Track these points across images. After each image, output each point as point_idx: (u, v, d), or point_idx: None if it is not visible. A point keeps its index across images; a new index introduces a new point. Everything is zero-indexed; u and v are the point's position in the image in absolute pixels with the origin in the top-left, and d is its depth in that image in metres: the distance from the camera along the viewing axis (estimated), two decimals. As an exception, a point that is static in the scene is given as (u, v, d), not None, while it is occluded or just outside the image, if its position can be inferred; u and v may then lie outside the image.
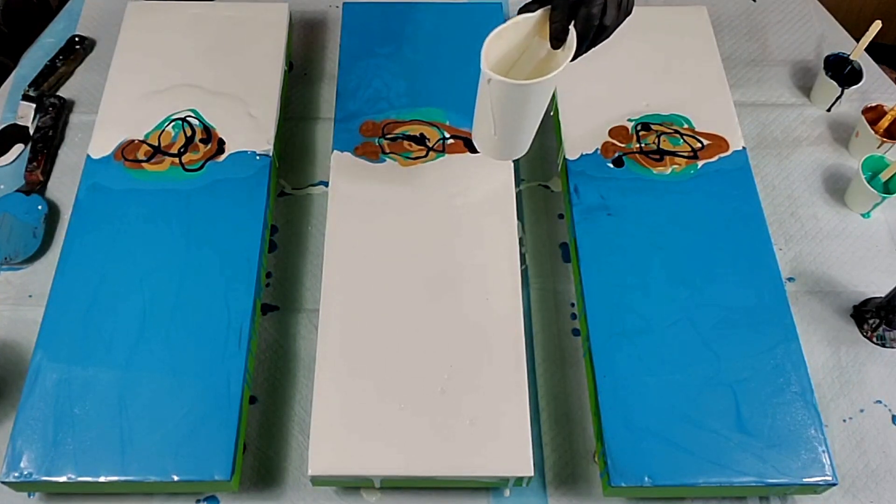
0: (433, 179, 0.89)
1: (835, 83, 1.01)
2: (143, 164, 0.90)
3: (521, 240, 0.89)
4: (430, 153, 0.91)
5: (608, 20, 0.68)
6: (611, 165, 0.91)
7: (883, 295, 0.86)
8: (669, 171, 0.91)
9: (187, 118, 0.93)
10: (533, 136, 0.79)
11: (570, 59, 0.69)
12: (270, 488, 0.78)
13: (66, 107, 1.03)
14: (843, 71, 1.02)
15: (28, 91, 1.02)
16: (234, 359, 0.78)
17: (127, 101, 0.95)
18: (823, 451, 0.74)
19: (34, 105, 1.01)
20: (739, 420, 0.75)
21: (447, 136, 0.93)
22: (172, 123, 0.93)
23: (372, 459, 0.73)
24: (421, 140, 0.92)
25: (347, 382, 0.76)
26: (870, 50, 1.03)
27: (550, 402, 0.83)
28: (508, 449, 0.73)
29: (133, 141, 0.91)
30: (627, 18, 0.70)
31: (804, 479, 0.73)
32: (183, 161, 0.90)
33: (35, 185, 0.95)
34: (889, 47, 1.47)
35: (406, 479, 0.74)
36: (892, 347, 0.87)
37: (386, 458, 0.73)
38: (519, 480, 0.75)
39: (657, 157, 0.92)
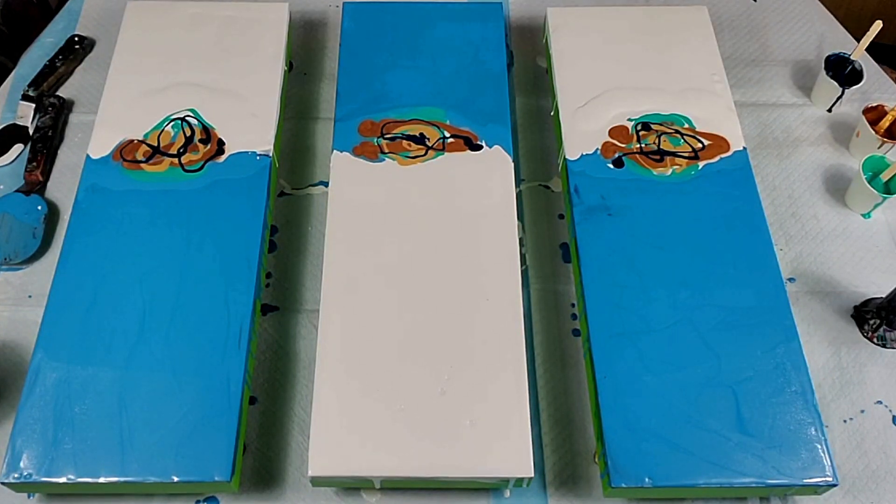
0: (433, 179, 0.89)
1: (835, 83, 1.01)
2: (142, 165, 0.90)
3: (521, 240, 0.89)
4: (430, 152, 0.91)
5: None
6: (611, 166, 0.91)
7: (883, 295, 0.86)
8: (670, 171, 0.91)
9: (186, 118, 0.93)
10: None
11: None
12: (270, 489, 0.78)
13: (65, 107, 1.03)
14: (843, 71, 1.02)
15: (28, 91, 1.02)
16: (233, 359, 0.78)
17: (126, 100, 0.95)
18: (824, 452, 0.74)
19: (34, 105, 1.01)
20: (740, 421, 0.75)
21: (447, 135, 0.93)
22: (172, 123, 0.93)
23: (372, 460, 0.73)
24: (420, 139, 0.92)
25: (347, 383, 0.76)
26: (870, 50, 1.03)
27: (551, 403, 0.83)
28: (509, 450, 0.73)
29: (132, 141, 0.91)
30: None
31: (804, 480, 0.73)
32: (182, 162, 0.90)
33: (35, 185, 0.95)
34: (889, 47, 1.47)
35: (406, 479, 0.74)
36: (893, 348, 0.86)
37: (386, 458, 0.73)
38: (519, 481, 0.74)
39: (657, 157, 0.92)
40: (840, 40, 1.12)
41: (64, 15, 1.13)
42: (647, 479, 0.73)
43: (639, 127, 0.94)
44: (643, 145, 0.93)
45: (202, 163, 0.90)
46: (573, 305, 0.89)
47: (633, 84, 0.98)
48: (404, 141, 0.92)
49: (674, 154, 0.92)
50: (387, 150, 0.91)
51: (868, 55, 1.05)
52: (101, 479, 0.72)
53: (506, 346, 0.78)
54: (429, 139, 0.92)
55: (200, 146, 0.91)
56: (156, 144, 0.91)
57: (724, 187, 0.89)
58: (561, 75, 0.99)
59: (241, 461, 0.76)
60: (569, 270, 0.91)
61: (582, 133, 0.94)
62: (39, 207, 0.92)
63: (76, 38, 1.07)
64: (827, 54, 1.03)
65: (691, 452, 0.74)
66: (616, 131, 0.94)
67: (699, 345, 0.79)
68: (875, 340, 0.87)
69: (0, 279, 0.89)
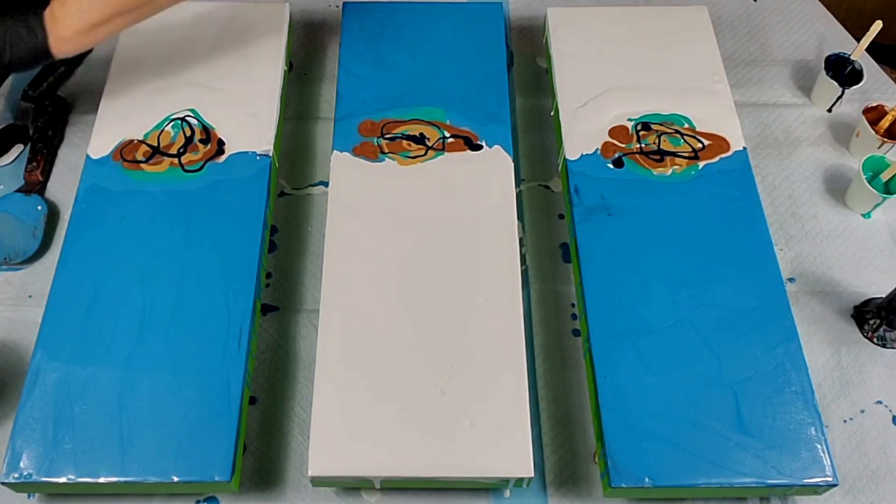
0: (433, 179, 0.89)
1: (835, 83, 1.01)
2: (142, 166, 0.90)
3: (521, 240, 0.89)
4: (430, 152, 0.91)
5: None
6: (611, 166, 0.91)
7: (883, 295, 0.86)
8: (670, 171, 0.91)
9: (186, 118, 0.93)
10: None
11: None
12: (270, 489, 0.78)
13: (65, 107, 1.03)
14: (843, 71, 1.02)
15: (28, 91, 1.02)
16: (234, 359, 0.78)
17: (126, 100, 0.95)
18: (824, 452, 0.74)
19: (34, 105, 1.01)
20: (740, 421, 0.75)
21: (447, 135, 0.93)
22: (172, 123, 0.93)
23: (372, 460, 0.73)
24: (420, 139, 0.92)
25: (347, 383, 0.76)
26: (870, 50, 1.03)
27: (551, 403, 0.83)
28: (508, 450, 0.73)
29: (132, 141, 0.91)
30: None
31: (804, 480, 0.73)
32: (182, 162, 0.90)
33: (35, 185, 0.95)
34: (890, 47, 1.47)
35: (406, 479, 0.74)
36: (893, 348, 0.86)
37: (386, 458, 0.73)
38: (519, 481, 0.74)
39: (657, 157, 0.92)
40: (840, 40, 1.11)
41: (64, 15, 1.13)
42: (647, 479, 0.73)
43: (639, 127, 0.94)
44: (643, 145, 0.93)
45: (202, 163, 0.90)
46: (573, 305, 0.89)
47: (633, 84, 0.98)
48: (404, 141, 0.92)
49: (674, 154, 0.92)
50: (387, 150, 0.91)
51: (868, 55, 1.05)
52: (101, 479, 0.72)
53: (506, 346, 0.78)
54: (429, 139, 0.92)
55: (200, 146, 0.91)
56: (156, 144, 0.91)
57: (724, 187, 0.89)
58: (561, 75, 0.99)
59: (241, 461, 0.76)
60: (569, 270, 0.91)
61: (582, 133, 0.94)
62: (39, 207, 0.92)
63: (76, 38, 1.07)
64: (827, 54, 1.03)
65: (691, 452, 0.74)
66: (616, 131, 0.94)
67: (699, 345, 0.79)
68: (875, 340, 0.87)
69: (0, 279, 0.89)
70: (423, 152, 0.91)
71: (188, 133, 0.92)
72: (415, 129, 0.93)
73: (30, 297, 0.88)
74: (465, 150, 0.92)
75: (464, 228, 0.86)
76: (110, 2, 0.80)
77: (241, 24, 1.01)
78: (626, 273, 0.83)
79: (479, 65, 0.99)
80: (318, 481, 0.75)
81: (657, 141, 0.93)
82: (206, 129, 0.93)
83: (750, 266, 0.84)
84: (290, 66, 1.07)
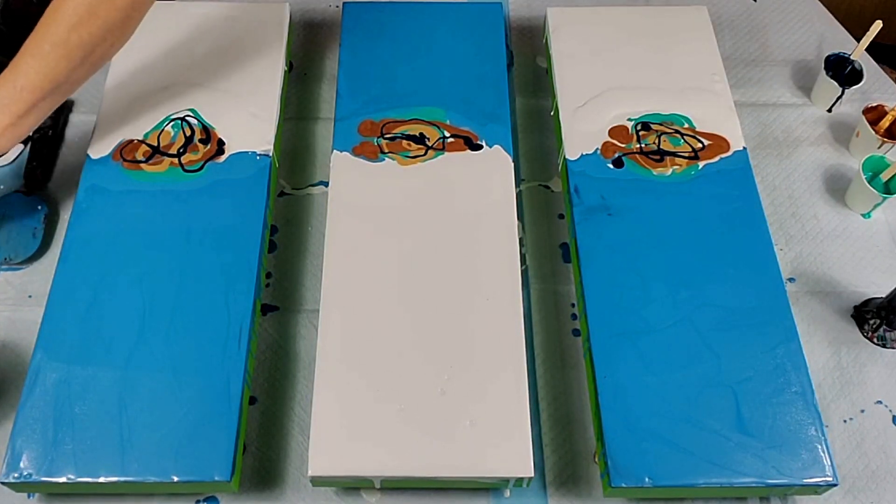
0: (433, 179, 0.89)
1: (835, 83, 1.01)
2: (142, 166, 0.90)
3: (521, 240, 0.89)
4: (430, 152, 0.91)
5: None
6: (611, 166, 0.91)
7: (883, 295, 0.86)
8: (670, 171, 0.91)
9: (186, 118, 0.93)
10: None
11: None
12: (270, 489, 0.78)
13: (66, 107, 1.03)
14: (843, 71, 1.02)
15: (28, 91, 1.02)
16: (233, 359, 0.78)
17: (127, 100, 0.95)
18: (824, 452, 0.74)
19: (34, 105, 1.01)
20: (740, 420, 0.75)
21: (447, 134, 0.93)
22: (172, 123, 0.93)
23: (372, 460, 0.73)
24: (420, 139, 0.92)
25: (347, 383, 0.76)
26: (870, 50, 1.03)
27: (551, 403, 0.83)
28: (508, 450, 0.73)
29: (132, 141, 0.91)
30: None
31: (804, 480, 0.73)
32: (182, 162, 0.90)
33: (35, 185, 0.95)
34: (890, 47, 1.46)
35: (406, 479, 0.74)
36: (893, 348, 0.86)
37: (386, 458, 0.73)
38: (519, 481, 0.74)
39: (657, 157, 0.92)
40: (840, 40, 1.11)
41: (64, 15, 1.13)
42: (647, 479, 0.73)
43: (639, 127, 0.94)
44: (643, 145, 0.93)
45: (202, 163, 0.90)
46: (573, 305, 0.89)
47: (633, 84, 0.98)
48: (404, 141, 0.92)
49: (674, 154, 0.92)
50: (387, 150, 0.91)
51: (868, 55, 1.05)
52: (101, 479, 0.72)
53: (506, 346, 0.78)
54: (429, 139, 0.92)
55: (200, 146, 0.91)
56: (156, 144, 0.91)
57: (724, 187, 0.89)
58: (561, 75, 0.99)
59: (241, 461, 0.76)
60: (569, 270, 0.91)
61: (582, 133, 0.94)
62: (39, 207, 0.92)
63: (76, 38, 1.07)
64: (827, 54, 1.03)
65: (691, 452, 0.74)
66: (616, 131, 0.94)
67: (699, 345, 0.79)
68: (875, 340, 0.87)
69: (0, 279, 0.89)
70: (423, 152, 0.91)
71: (188, 133, 0.92)
72: (415, 129, 0.93)
73: (30, 297, 0.88)
74: (465, 149, 0.92)
75: (464, 228, 0.86)
76: (30, 87, 0.78)
77: (241, 24, 1.01)
78: (626, 273, 0.83)
79: (479, 65, 0.99)
80: (318, 481, 0.75)
81: (657, 141, 0.93)
82: (206, 129, 0.93)
83: (750, 266, 0.84)
84: (290, 66, 1.07)
